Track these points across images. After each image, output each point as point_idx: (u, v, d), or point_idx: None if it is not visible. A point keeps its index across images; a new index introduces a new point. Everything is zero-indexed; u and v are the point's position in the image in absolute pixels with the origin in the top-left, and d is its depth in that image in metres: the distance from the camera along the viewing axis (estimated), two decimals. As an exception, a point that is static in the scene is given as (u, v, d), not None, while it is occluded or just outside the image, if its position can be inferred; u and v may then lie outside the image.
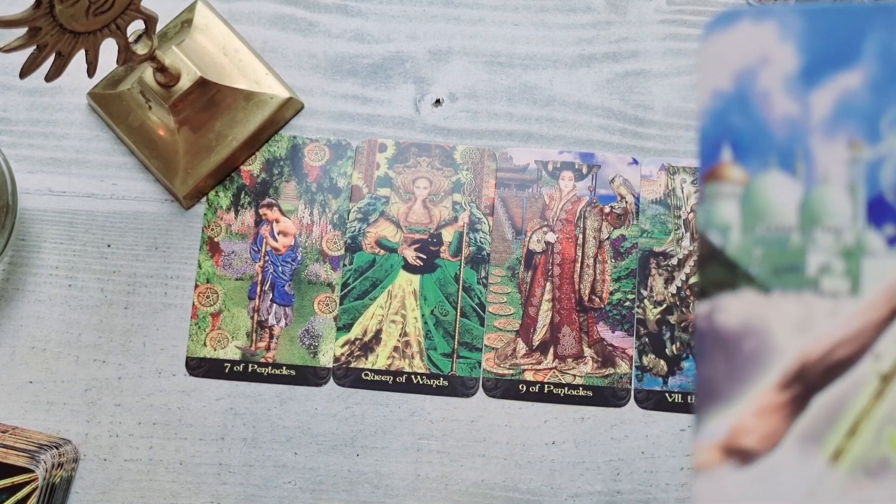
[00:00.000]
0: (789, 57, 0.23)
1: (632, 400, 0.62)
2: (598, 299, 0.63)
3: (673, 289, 0.63)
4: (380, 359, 0.62)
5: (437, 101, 0.66)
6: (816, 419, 0.23)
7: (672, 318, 0.63)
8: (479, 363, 0.62)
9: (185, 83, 0.61)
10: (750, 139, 0.23)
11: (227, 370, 0.62)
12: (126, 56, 0.55)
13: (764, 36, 0.22)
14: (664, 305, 0.63)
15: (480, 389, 0.62)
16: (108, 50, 0.55)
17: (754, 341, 0.23)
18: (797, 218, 0.23)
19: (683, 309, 0.63)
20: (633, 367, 0.62)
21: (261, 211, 0.64)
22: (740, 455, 0.23)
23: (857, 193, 0.23)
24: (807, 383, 0.23)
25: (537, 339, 0.63)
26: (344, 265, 0.64)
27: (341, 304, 0.63)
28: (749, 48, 0.22)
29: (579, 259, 0.64)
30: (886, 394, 0.23)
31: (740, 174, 0.23)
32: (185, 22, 0.65)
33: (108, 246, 0.64)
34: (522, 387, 0.62)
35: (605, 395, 0.62)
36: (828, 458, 0.23)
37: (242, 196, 0.65)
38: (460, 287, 0.63)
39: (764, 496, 0.23)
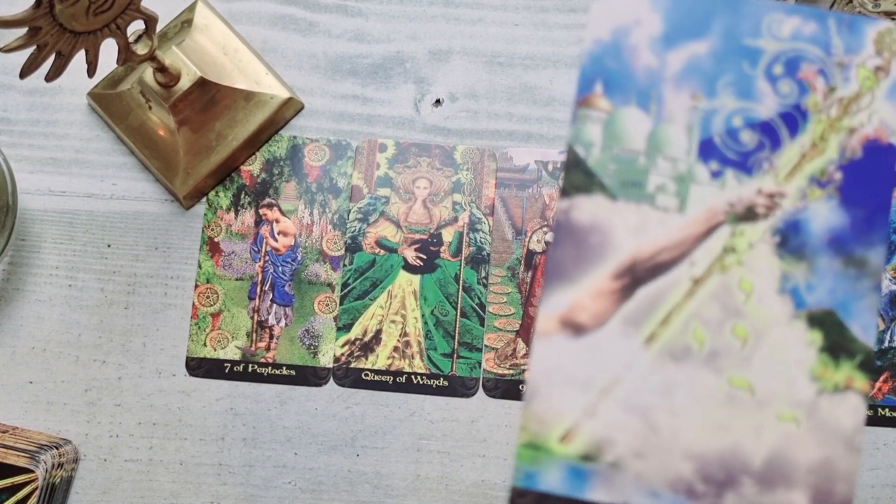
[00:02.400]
0: (656, 23, 0.29)
1: (632, 400, 0.62)
2: (598, 299, 0.63)
3: (673, 289, 0.63)
4: (380, 359, 0.62)
5: (438, 101, 0.66)
6: (638, 307, 0.28)
7: (672, 319, 0.62)
8: (480, 363, 0.62)
9: (185, 83, 0.61)
10: (618, 79, 0.29)
11: (227, 370, 0.62)
12: (126, 56, 0.55)
13: (640, 4, 0.29)
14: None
15: (480, 389, 0.62)
16: (109, 50, 0.55)
17: (599, 237, 0.28)
18: (645, 145, 0.29)
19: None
20: (634, 368, 0.62)
21: (261, 211, 0.64)
22: (574, 327, 0.28)
23: (693, 134, 0.29)
24: (635, 276, 0.28)
25: (537, 339, 0.62)
26: (344, 265, 0.63)
27: (341, 304, 0.63)
28: (627, 12, 0.29)
29: (579, 259, 0.63)
30: (696, 294, 0.28)
31: (607, 104, 0.29)
32: (185, 22, 0.65)
33: (108, 246, 0.64)
34: (523, 387, 0.62)
35: (606, 396, 0.61)
36: (643, 340, 0.28)
37: (242, 196, 0.65)
38: (460, 287, 0.63)
39: (588, 363, 0.28)
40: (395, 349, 0.62)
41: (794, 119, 0.29)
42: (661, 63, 0.29)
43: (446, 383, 0.62)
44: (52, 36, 0.49)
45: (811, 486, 0.27)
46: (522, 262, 0.64)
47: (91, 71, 0.54)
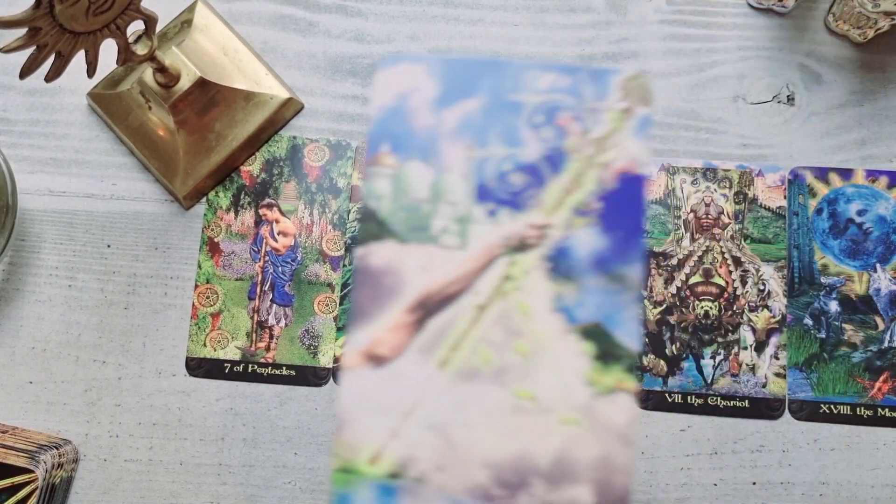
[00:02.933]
0: (432, 87, 0.33)
1: (631, 400, 0.62)
2: (597, 299, 0.63)
3: (673, 289, 0.63)
4: (380, 359, 0.62)
5: (437, 102, 0.66)
6: (431, 336, 0.32)
7: (672, 319, 0.63)
8: (479, 363, 0.62)
9: (184, 83, 0.61)
10: (402, 138, 0.33)
11: (226, 370, 0.62)
12: (126, 56, 0.55)
13: (417, 72, 0.33)
14: (664, 306, 0.63)
15: (480, 390, 0.62)
16: (108, 50, 0.55)
17: (392, 277, 0.32)
18: (429, 194, 0.33)
19: (683, 309, 0.63)
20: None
21: (261, 211, 0.64)
22: (375, 359, 0.31)
23: (470, 180, 0.33)
24: (426, 310, 0.32)
25: (537, 339, 0.62)
26: (344, 265, 0.63)
27: (341, 304, 0.63)
28: (407, 79, 0.33)
29: (579, 259, 0.63)
30: (481, 320, 0.32)
31: (393, 161, 0.33)
32: (184, 22, 0.65)
33: (108, 246, 0.64)
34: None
35: (605, 396, 0.62)
36: (437, 365, 0.31)
37: (242, 196, 0.65)
38: (460, 287, 0.63)
39: (390, 391, 0.31)
40: (395, 349, 0.62)
41: (555, 160, 0.33)
42: (439, 121, 0.33)
43: (446, 383, 0.62)
44: (51, 36, 0.49)
45: (594, 480, 0.31)
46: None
47: (91, 71, 0.54)
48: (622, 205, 0.33)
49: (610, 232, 0.33)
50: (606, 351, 0.32)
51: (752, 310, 0.63)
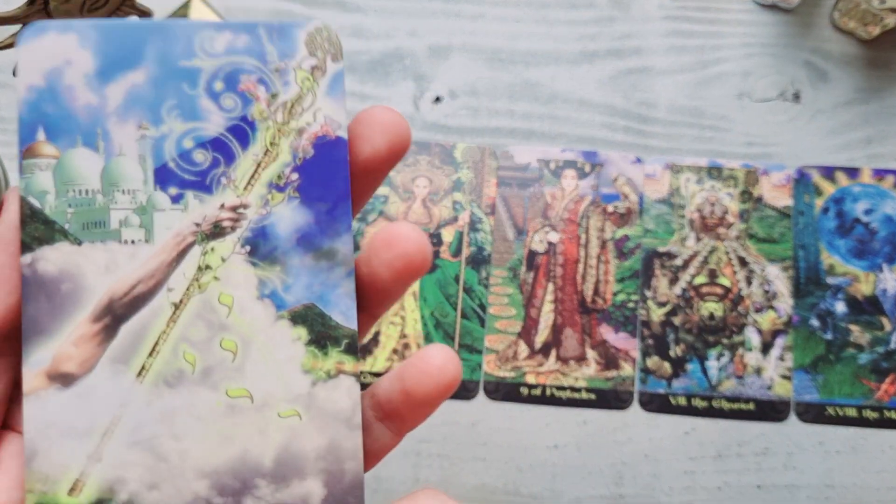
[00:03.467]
0: (87, 59, 0.29)
1: (635, 403, 0.61)
2: (601, 300, 0.62)
3: (677, 290, 0.62)
4: (378, 361, 0.61)
5: (437, 99, 0.66)
6: (124, 343, 0.29)
7: (676, 320, 0.62)
8: (480, 365, 0.61)
9: (181, 80, 0.60)
10: (59, 122, 0.29)
11: None
12: (121, 53, 0.54)
13: (67, 43, 0.29)
14: (668, 306, 0.62)
15: (481, 392, 0.61)
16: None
17: (70, 284, 0.29)
18: (100, 183, 0.29)
19: (688, 310, 0.62)
20: (637, 370, 0.61)
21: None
22: (62, 378, 0.28)
23: (147, 163, 0.29)
24: (115, 315, 0.29)
25: (539, 341, 0.62)
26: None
27: None
28: (57, 53, 0.29)
29: (582, 259, 0.63)
30: (179, 318, 0.29)
31: (52, 150, 0.29)
32: (181, 18, 0.65)
33: (104, 246, 0.63)
34: (524, 389, 0.61)
35: (608, 398, 0.61)
36: (134, 375, 0.29)
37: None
38: (461, 288, 0.62)
39: (84, 411, 0.28)
40: (395, 351, 0.61)
41: (243, 131, 0.30)
42: (101, 98, 0.29)
43: (446, 385, 0.61)
44: (44, 33, 0.48)
45: (323, 471, 0.29)
46: (524, 262, 0.63)
47: (85, 68, 0.53)
48: (323, 173, 0.30)
49: (313, 204, 0.30)
50: (322, 333, 0.30)
51: (757, 311, 0.62)
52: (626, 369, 0.61)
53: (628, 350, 0.61)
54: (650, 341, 0.62)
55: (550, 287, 0.62)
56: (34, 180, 0.29)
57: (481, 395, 0.61)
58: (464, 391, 0.61)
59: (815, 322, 0.62)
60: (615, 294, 0.62)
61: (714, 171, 0.64)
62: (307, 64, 0.31)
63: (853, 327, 0.62)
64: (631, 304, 0.62)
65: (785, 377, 0.61)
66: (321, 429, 0.30)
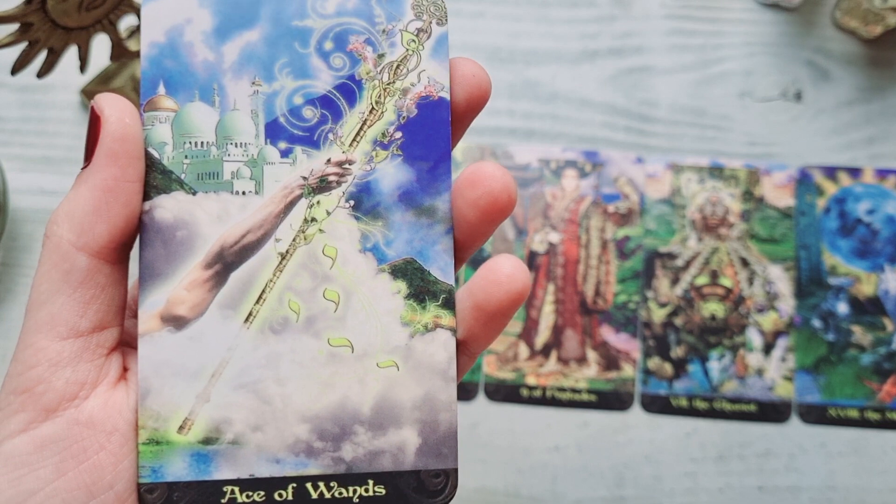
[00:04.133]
0: (206, 18, 0.31)
1: (636, 404, 0.61)
2: (601, 301, 0.62)
3: (679, 290, 0.62)
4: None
5: (438, 98, 0.65)
6: (233, 290, 0.30)
7: (678, 321, 0.61)
8: (480, 367, 0.61)
9: (179, 80, 0.60)
10: (178, 78, 0.31)
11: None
12: (118, 52, 0.54)
13: (187, 2, 0.31)
14: (670, 307, 0.62)
15: (482, 393, 0.61)
16: (102, 46, 0.54)
17: (184, 231, 0.30)
18: (215, 136, 0.31)
19: (689, 311, 0.62)
20: (638, 371, 0.61)
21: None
22: (174, 321, 0.30)
23: (259, 118, 0.31)
24: (225, 262, 0.30)
25: (540, 342, 0.61)
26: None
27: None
28: (177, 11, 0.31)
29: (583, 260, 0.62)
30: (285, 268, 0.31)
31: (171, 104, 0.31)
32: (179, 17, 0.64)
33: (102, 246, 0.62)
34: (524, 391, 0.61)
35: (609, 399, 0.61)
36: (242, 321, 0.30)
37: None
38: (461, 288, 0.62)
39: (194, 353, 0.30)
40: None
41: (350, 89, 0.32)
42: (218, 55, 0.31)
43: (447, 386, 0.61)
44: (43, 32, 0.48)
45: (418, 420, 0.31)
46: (525, 262, 0.62)
47: (83, 67, 0.53)
48: (425, 132, 0.32)
49: (415, 162, 0.32)
50: (420, 287, 0.31)
51: (759, 311, 0.62)
52: (627, 370, 0.61)
53: (629, 351, 0.61)
54: (651, 342, 0.61)
55: (551, 288, 0.62)
56: (154, 132, 0.31)
57: (481, 397, 0.61)
58: (464, 393, 0.60)
59: (817, 323, 0.62)
60: (616, 295, 0.62)
61: (715, 171, 0.63)
62: (413, 26, 0.32)
63: (855, 328, 0.62)
64: (632, 305, 0.62)
65: (787, 378, 0.61)
66: (418, 380, 0.31)
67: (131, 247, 0.30)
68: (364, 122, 0.32)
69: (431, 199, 0.32)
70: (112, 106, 0.29)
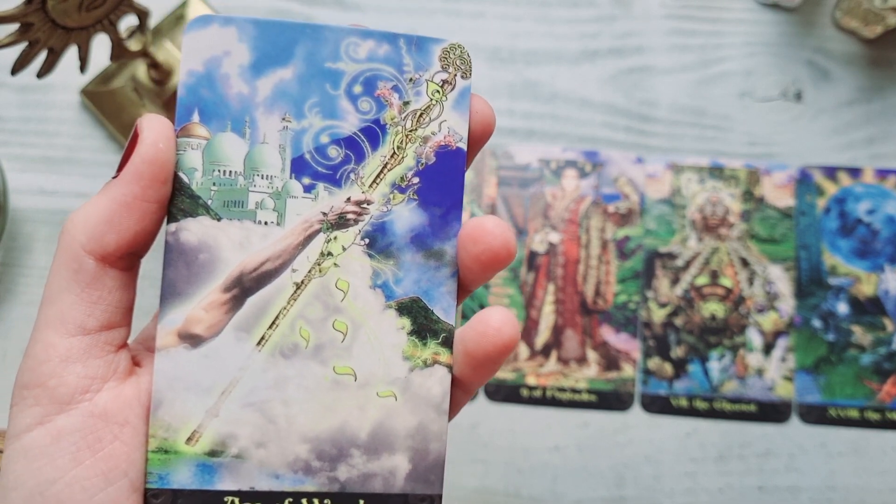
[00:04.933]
0: (244, 53, 0.32)
1: (636, 404, 0.61)
2: (602, 301, 0.62)
3: (679, 290, 0.62)
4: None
5: (438, 98, 0.65)
6: (248, 314, 0.32)
7: (678, 321, 0.61)
8: (481, 366, 0.61)
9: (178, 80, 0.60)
10: (213, 107, 0.32)
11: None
12: (118, 52, 0.54)
13: (227, 36, 0.32)
14: (670, 307, 0.62)
15: (482, 394, 0.61)
16: (102, 46, 0.53)
17: (207, 254, 0.32)
18: (243, 167, 0.32)
19: (689, 311, 0.62)
20: (638, 371, 0.61)
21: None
22: (191, 339, 0.31)
23: (286, 153, 0.32)
24: (243, 287, 0.32)
25: (540, 342, 0.61)
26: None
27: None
28: (217, 43, 0.32)
29: (583, 260, 0.62)
30: (298, 297, 0.32)
31: (204, 132, 0.32)
32: (178, 17, 0.64)
33: (102, 246, 0.62)
34: (525, 391, 0.61)
35: (609, 400, 0.60)
36: (254, 343, 0.32)
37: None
38: (461, 288, 0.62)
39: (207, 370, 0.31)
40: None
41: (374, 133, 0.33)
42: (252, 90, 0.32)
43: (447, 386, 0.61)
44: (43, 32, 0.48)
45: (410, 448, 0.32)
46: (525, 263, 0.62)
47: (83, 67, 0.52)
48: (441, 180, 0.33)
49: (429, 207, 0.33)
50: (423, 325, 0.33)
51: (759, 311, 0.62)
52: (628, 370, 0.61)
53: (629, 351, 0.61)
54: (651, 342, 0.61)
55: (551, 288, 0.62)
56: (185, 157, 0.32)
57: (482, 397, 0.61)
58: (464, 392, 0.60)
59: (817, 323, 0.62)
60: (616, 295, 0.62)
61: (716, 171, 0.63)
62: (439, 77, 0.33)
63: (855, 328, 0.62)
64: (632, 305, 0.62)
65: (787, 378, 0.61)
66: (413, 411, 0.33)
67: (141, 256, 0.32)
68: (385, 166, 0.33)
69: (441, 244, 0.33)
70: (151, 128, 0.30)
